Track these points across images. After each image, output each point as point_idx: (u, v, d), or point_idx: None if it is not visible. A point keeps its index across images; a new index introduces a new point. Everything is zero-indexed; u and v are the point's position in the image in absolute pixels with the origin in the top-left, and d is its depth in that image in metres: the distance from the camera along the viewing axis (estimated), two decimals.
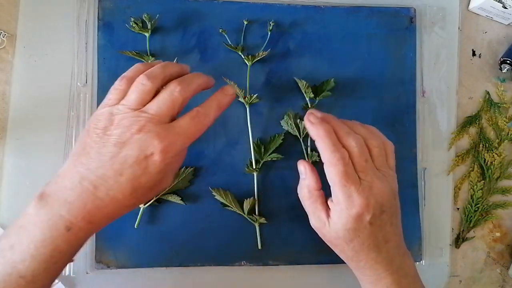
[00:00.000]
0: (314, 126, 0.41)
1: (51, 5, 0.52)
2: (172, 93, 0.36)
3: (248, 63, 0.52)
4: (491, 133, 0.58)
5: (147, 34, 0.51)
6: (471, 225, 0.56)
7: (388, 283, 0.41)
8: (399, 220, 0.42)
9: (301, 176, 0.44)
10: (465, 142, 0.57)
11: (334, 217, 0.40)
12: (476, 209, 0.56)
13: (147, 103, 0.36)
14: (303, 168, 0.43)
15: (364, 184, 0.39)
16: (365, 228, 0.39)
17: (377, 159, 0.41)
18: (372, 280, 0.41)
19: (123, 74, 0.38)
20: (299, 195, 0.44)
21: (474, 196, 0.56)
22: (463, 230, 0.56)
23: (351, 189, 0.38)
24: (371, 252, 0.40)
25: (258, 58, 0.52)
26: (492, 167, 0.56)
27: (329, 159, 0.39)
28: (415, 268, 0.43)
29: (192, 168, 0.50)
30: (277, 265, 0.51)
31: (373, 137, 0.42)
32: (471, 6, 0.59)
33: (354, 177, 0.39)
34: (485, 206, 0.56)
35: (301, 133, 0.51)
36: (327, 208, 0.41)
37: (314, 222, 0.42)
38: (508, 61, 0.57)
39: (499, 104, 0.58)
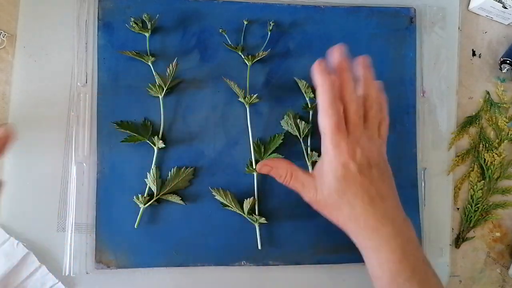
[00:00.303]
0: (321, 76, 0.41)
1: (51, 5, 0.52)
2: None
3: (248, 63, 0.52)
4: (491, 133, 0.58)
5: (147, 34, 0.51)
6: (471, 225, 0.56)
7: (392, 248, 0.39)
8: (393, 183, 0.43)
9: (276, 177, 0.45)
10: (465, 142, 0.57)
11: (324, 169, 0.41)
12: (476, 209, 0.56)
13: None
14: (266, 169, 0.46)
15: (352, 137, 0.41)
16: (355, 177, 0.40)
17: (370, 121, 0.43)
18: (376, 245, 0.40)
19: None
20: (285, 185, 0.45)
21: (474, 196, 0.56)
22: (463, 230, 0.56)
23: (340, 139, 0.40)
24: (368, 207, 0.40)
25: (258, 58, 0.52)
26: (492, 167, 0.56)
27: (326, 110, 0.40)
28: (417, 238, 0.42)
29: (192, 168, 0.50)
30: (277, 265, 0.51)
31: (377, 100, 0.44)
32: (471, 6, 0.59)
33: (344, 130, 0.41)
34: (485, 206, 0.56)
35: (301, 133, 0.51)
36: (309, 174, 0.43)
37: (306, 193, 0.43)
38: (508, 61, 0.57)
39: (499, 104, 0.58)
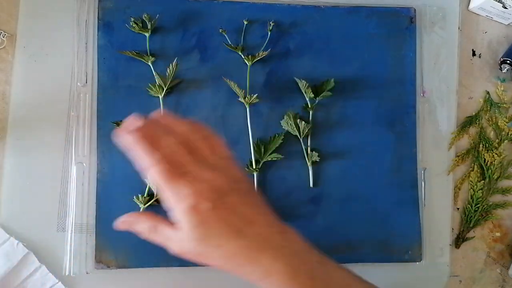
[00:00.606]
0: (125, 135, 0.37)
1: (51, 5, 0.52)
2: None
3: (248, 63, 0.52)
4: (491, 133, 0.58)
5: (147, 34, 0.51)
6: (471, 225, 0.56)
7: (281, 269, 0.36)
8: (258, 197, 0.39)
9: (137, 232, 0.40)
10: (465, 142, 0.57)
11: (179, 224, 0.36)
12: (476, 209, 0.56)
13: None
14: (124, 226, 0.39)
15: (190, 176, 0.36)
16: (211, 217, 0.35)
17: (199, 150, 0.38)
18: (263, 273, 0.36)
19: None
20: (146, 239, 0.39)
21: (474, 196, 0.56)
22: (463, 230, 0.56)
23: (178, 184, 0.35)
24: (238, 240, 0.36)
25: (258, 58, 0.52)
26: (492, 167, 0.56)
27: (148, 162, 0.36)
28: (303, 241, 0.39)
29: None
30: None
31: (194, 131, 0.39)
32: (471, 6, 0.59)
33: (177, 173, 0.36)
34: (485, 206, 0.56)
35: (301, 133, 0.51)
36: (174, 226, 0.37)
37: (171, 247, 0.38)
38: (508, 61, 0.57)
39: (499, 104, 0.58)
